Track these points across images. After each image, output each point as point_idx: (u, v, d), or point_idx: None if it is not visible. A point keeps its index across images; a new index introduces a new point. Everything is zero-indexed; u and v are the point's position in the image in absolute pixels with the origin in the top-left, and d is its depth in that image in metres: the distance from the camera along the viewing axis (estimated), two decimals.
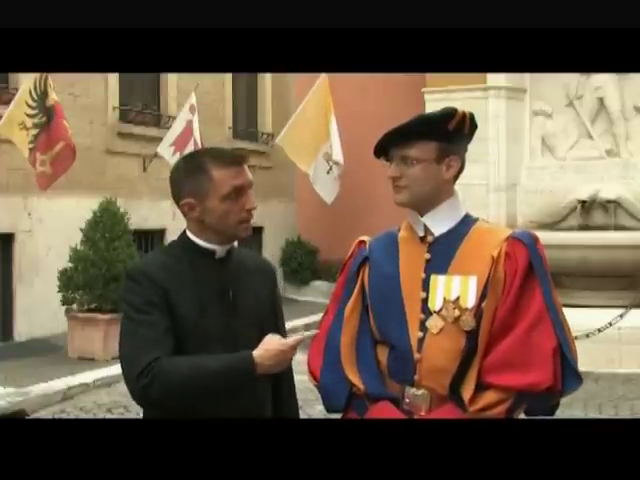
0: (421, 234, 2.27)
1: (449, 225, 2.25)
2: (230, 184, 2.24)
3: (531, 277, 2.15)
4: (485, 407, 2.10)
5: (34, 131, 8.28)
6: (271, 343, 2.16)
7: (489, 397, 2.10)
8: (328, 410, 2.34)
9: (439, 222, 2.25)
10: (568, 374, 2.11)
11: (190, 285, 2.26)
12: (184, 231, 2.36)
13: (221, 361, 2.14)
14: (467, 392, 2.12)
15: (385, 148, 2.26)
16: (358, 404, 2.25)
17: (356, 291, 2.33)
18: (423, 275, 2.22)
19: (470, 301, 2.15)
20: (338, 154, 11.31)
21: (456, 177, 2.28)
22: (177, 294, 2.23)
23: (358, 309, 2.32)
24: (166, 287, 2.22)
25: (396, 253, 2.30)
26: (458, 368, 2.13)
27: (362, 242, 2.40)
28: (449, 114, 2.20)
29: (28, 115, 8.32)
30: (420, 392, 2.18)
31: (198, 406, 2.17)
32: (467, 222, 2.27)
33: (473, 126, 2.27)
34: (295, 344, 2.16)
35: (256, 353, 2.13)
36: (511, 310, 2.13)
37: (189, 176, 2.28)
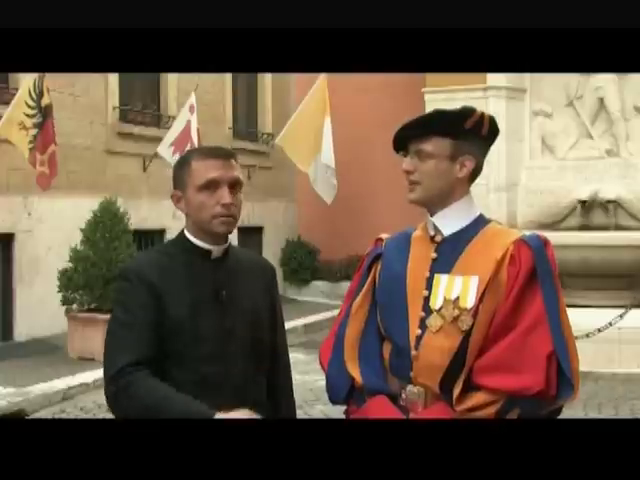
0: (432, 233, 2.28)
1: (459, 226, 2.25)
2: (204, 175, 2.26)
3: (534, 281, 2.14)
4: (473, 407, 2.10)
5: (34, 131, 8.30)
6: (238, 414, 2.07)
7: (478, 398, 2.10)
8: (332, 402, 2.38)
9: (449, 222, 2.25)
10: (564, 381, 2.09)
11: (183, 284, 2.27)
12: (182, 230, 2.38)
13: (185, 408, 2.08)
14: (455, 392, 2.13)
15: (403, 141, 2.26)
16: (358, 397, 2.28)
17: (366, 287, 2.36)
18: (427, 274, 2.23)
19: (470, 302, 2.15)
20: (327, 157, 11.31)
21: (472, 178, 2.27)
22: (169, 293, 2.24)
23: (366, 305, 2.34)
24: (157, 286, 2.23)
25: (407, 251, 2.31)
26: (449, 367, 2.14)
27: (379, 240, 2.42)
28: (466, 113, 2.21)
29: (28, 115, 8.33)
30: (416, 389, 2.20)
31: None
32: (478, 223, 2.26)
33: (493, 128, 2.26)
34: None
35: (219, 416, 2.05)
36: (510, 313, 2.12)
37: (178, 169, 2.35)
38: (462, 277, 2.18)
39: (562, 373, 2.09)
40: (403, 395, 2.22)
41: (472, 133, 2.22)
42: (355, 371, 2.28)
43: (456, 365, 2.13)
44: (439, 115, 2.22)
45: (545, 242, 2.20)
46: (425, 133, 2.20)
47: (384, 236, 2.43)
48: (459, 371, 2.13)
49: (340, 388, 2.31)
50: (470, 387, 2.12)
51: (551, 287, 2.14)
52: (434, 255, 2.25)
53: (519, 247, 2.16)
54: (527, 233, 2.26)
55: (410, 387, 2.21)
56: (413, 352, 2.20)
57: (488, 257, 2.17)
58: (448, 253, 2.23)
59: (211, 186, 2.26)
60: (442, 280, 2.20)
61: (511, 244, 2.17)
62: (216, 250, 2.34)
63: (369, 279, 2.37)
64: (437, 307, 2.19)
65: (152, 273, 2.26)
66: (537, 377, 2.06)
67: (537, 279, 2.14)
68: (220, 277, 2.33)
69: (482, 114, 2.22)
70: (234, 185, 2.29)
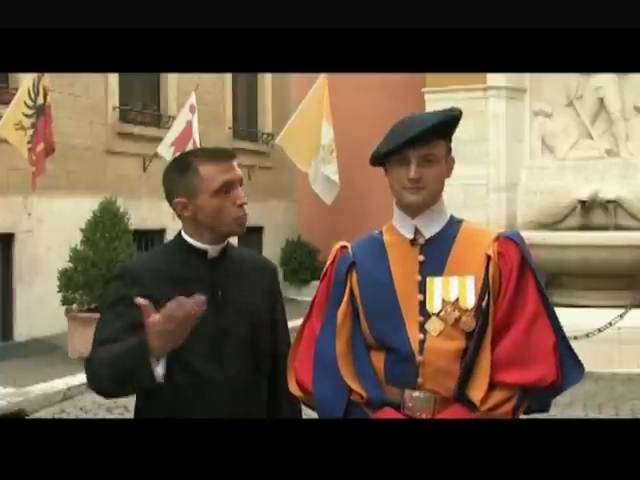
0: (410, 236, 2.24)
1: (439, 227, 2.24)
2: (219, 179, 2.26)
3: (524, 275, 2.17)
4: (494, 406, 2.10)
5: (31, 131, 8.30)
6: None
7: (497, 396, 2.10)
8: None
9: (430, 224, 2.24)
10: (568, 367, 2.13)
11: (178, 285, 2.26)
12: (179, 231, 2.38)
13: (125, 343, 2.11)
14: (477, 393, 2.11)
15: (397, 150, 2.19)
16: (357, 412, 2.20)
17: (346, 298, 2.27)
18: (419, 277, 2.20)
19: (469, 302, 2.15)
20: (319, 159, 11.34)
21: None
22: (162, 293, 2.23)
23: (350, 316, 2.26)
24: (149, 286, 2.24)
25: (385, 257, 2.26)
26: (463, 369, 2.12)
27: (344, 247, 2.34)
28: (459, 114, 2.22)
29: (26, 115, 8.33)
30: (423, 395, 2.16)
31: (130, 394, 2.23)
32: (454, 223, 2.27)
33: None
34: (170, 314, 1.96)
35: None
36: (509, 309, 2.14)
37: (179, 175, 2.31)
38: (457, 278, 2.17)
39: (565, 360, 2.13)
40: (409, 403, 2.16)
41: (453, 133, 2.26)
42: (356, 385, 2.20)
43: (469, 367, 2.12)
44: (449, 119, 2.20)
45: (522, 238, 2.24)
46: (434, 137, 2.17)
47: (346, 243, 2.35)
48: (473, 372, 2.12)
49: (337, 406, 2.20)
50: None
51: (539, 279, 2.19)
52: (421, 258, 2.22)
53: (505, 244, 2.19)
54: (504, 230, 2.28)
55: (416, 393, 2.16)
56: (418, 358, 2.15)
57: (477, 255, 2.18)
58: (435, 255, 2.21)
59: (227, 188, 2.27)
60: (436, 282, 2.18)
61: (495, 241, 2.20)
62: (212, 250, 2.34)
63: (346, 289, 2.27)
64: (436, 310, 2.16)
65: (146, 273, 2.28)
66: (549, 368, 2.10)
67: (527, 273, 2.18)
68: (217, 277, 2.32)
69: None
70: (241, 184, 2.33)
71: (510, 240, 2.20)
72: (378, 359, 2.22)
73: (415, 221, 2.24)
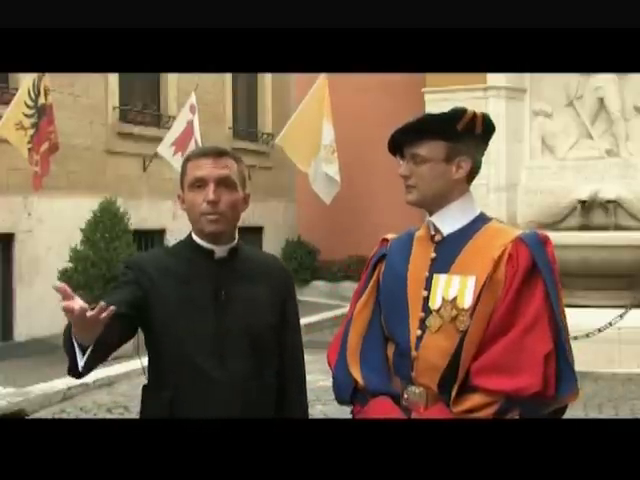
0: (432, 233, 2.28)
1: (459, 225, 2.25)
2: (193, 174, 2.32)
3: (533, 279, 2.13)
4: (470, 409, 2.09)
5: (31, 131, 8.29)
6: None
7: (475, 399, 2.10)
8: (338, 402, 2.38)
9: (447, 222, 2.25)
10: (564, 378, 2.08)
11: (181, 283, 2.30)
12: (190, 232, 2.41)
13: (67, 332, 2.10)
14: (453, 393, 2.13)
15: (399, 146, 2.26)
16: (361, 397, 2.28)
17: (370, 287, 2.36)
18: (427, 274, 2.23)
19: (467, 301, 2.15)
20: (320, 159, 11.36)
21: (471, 177, 2.26)
22: (165, 289, 2.28)
23: (370, 305, 2.35)
24: (154, 280, 2.28)
25: (408, 251, 2.32)
26: (447, 367, 2.14)
27: (385, 240, 2.43)
28: (457, 114, 2.19)
29: (26, 115, 8.32)
30: (417, 390, 2.20)
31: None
32: (478, 222, 2.26)
33: (488, 126, 2.24)
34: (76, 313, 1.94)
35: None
36: (508, 312, 2.11)
37: (181, 170, 2.41)
38: (460, 277, 2.18)
39: (563, 371, 2.08)
40: (405, 395, 2.22)
41: (466, 133, 2.20)
42: (357, 372, 2.28)
43: (454, 365, 2.13)
44: (431, 119, 2.21)
45: (544, 240, 2.19)
46: (418, 138, 2.20)
47: (390, 236, 2.43)
48: (457, 372, 2.13)
49: (345, 389, 2.32)
50: (467, 388, 2.12)
51: (551, 284, 2.13)
52: (433, 255, 2.25)
53: (517, 246, 2.16)
54: (527, 231, 2.25)
55: (411, 387, 2.21)
56: (413, 353, 2.20)
57: (486, 257, 2.17)
58: (447, 253, 2.23)
59: (200, 184, 2.30)
60: (440, 280, 2.20)
61: (509, 243, 2.17)
62: (219, 250, 2.35)
63: (373, 279, 2.37)
64: (436, 307, 2.19)
65: (149, 267, 2.32)
66: (534, 378, 2.05)
67: (536, 277, 2.13)
68: (222, 277, 2.33)
69: (474, 113, 2.20)
70: (224, 183, 2.30)
71: (523, 243, 2.16)
72: (390, 349, 2.30)
73: (432, 218, 2.27)
